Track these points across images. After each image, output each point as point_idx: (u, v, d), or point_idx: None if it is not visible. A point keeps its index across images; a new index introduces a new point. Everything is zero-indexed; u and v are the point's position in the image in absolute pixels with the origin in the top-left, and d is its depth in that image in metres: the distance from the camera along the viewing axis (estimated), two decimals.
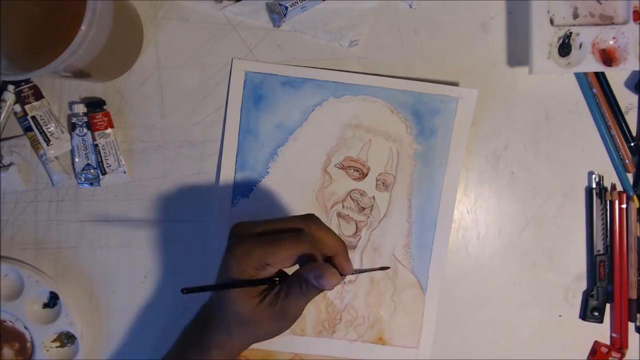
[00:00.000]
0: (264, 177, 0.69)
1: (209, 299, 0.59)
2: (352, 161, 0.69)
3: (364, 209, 0.69)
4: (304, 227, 0.55)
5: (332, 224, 0.69)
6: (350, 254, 0.69)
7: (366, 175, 0.69)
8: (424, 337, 0.70)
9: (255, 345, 0.59)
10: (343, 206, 0.69)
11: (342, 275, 0.54)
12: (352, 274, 0.57)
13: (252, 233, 0.55)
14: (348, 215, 0.69)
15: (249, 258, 0.52)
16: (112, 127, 0.69)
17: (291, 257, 0.53)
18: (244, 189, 0.69)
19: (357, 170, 0.69)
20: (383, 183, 0.69)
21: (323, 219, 0.68)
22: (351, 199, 0.69)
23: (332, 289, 0.53)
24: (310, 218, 0.56)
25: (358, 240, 0.70)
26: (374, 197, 0.69)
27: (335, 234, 0.55)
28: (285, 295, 0.53)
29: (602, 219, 0.70)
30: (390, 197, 0.69)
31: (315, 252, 0.54)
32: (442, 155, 0.69)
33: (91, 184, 0.70)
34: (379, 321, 0.70)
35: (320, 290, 0.53)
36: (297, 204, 0.69)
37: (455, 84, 0.69)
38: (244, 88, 0.69)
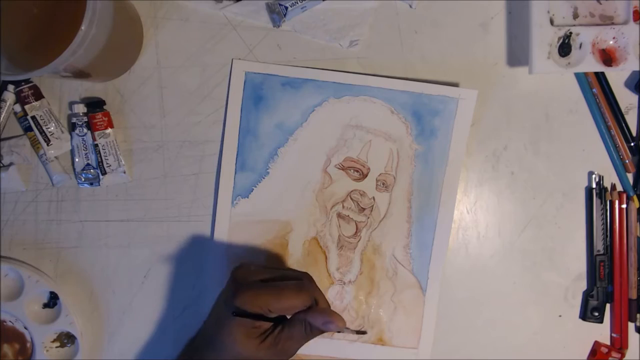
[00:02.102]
0: (264, 178, 0.69)
1: (200, 333, 0.62)
2: (352, 162, 0.69)
3: (364, 209, 0.69)
4: (304, 280, 0.59)
5: (332, 224, 0.69)
6: (350, 255, 0.69)
7: (366, 175, 0.69)
8: (423, 338, 0.70)
9: None
10: (343, 207, 0.69)
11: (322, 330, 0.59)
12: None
13: (256, 279, 0.58)
14: (348, 215, 0.69)
15: (255, 303, 0.55)
16: (112, 127, 0.69)
17: (293, 307, 0.56)
18: (244, 190, 0.69)
19: (357, 171, 0.69)
20: (383, 184, 0.69)
21: (323, 220, 0.69)
22: (351, 199, 0.69)
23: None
24: (308, 275, 0.61)
25: (358, 241, 0.70)
26: (374, 198, 0.69)
27: (323, 295, 0.60)
28: (288, 337, 0.56)
29: (602, 219, 0.70)
30: (390, 198, 0.69)
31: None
32: (442, 155, 0.69)
33: (91, 184, 0.70)
34: (378, 322, 0.70)
35: (322, 332, 0.57)
36: (297, 204, 0.69)
37: (455, 85, 0.69)
38: (244, 88, 0.69)
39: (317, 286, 0.60)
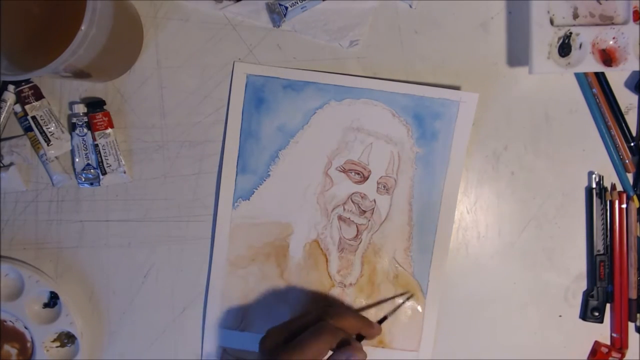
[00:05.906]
0: (265, 180, 0.69)
1: None
2: (353, 164, 0.69)
3: (365, 212, 0.69)
4: (323, 319, 0.59)
5: (333, 227, 0.69)
6: (351, 258, 0.69)
7: (367, 178, 0.69)
8: (424, 341, 0.70)
9: None
10: (344, 209, 0.69)
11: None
12: (382, 322, 0.67)
13: (280, 342, 0.58)
14: (349, 218, 0.69)
15: None
16: (112, 127, 0.69)
17: (320, 352, 0.56)
18: (245, 192, 0.69)
19: (358, 174, 0.69)
20: (384, 186, 0.69)
21: (324, 222, 0.69)
22: (352, 202, 0.69)
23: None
24: (326, 312, 0.60)
25: (359, 244, 0.70)
26: (375, 200, 0.69)
27: (352, 313, 0.62)
28: None
29: (602, 219, 0.70)
30: (391, 201, 0.69)
31: (343, 335, 0.58)
32: (443, 158, 0.69)
33: (91, 184, 0.70)
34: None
35: None
36: (298, 207, 0.69)
37: (456, 88, 0.69)
38: (245, 91, 0.69)
39: (342, 314, 0.61)
